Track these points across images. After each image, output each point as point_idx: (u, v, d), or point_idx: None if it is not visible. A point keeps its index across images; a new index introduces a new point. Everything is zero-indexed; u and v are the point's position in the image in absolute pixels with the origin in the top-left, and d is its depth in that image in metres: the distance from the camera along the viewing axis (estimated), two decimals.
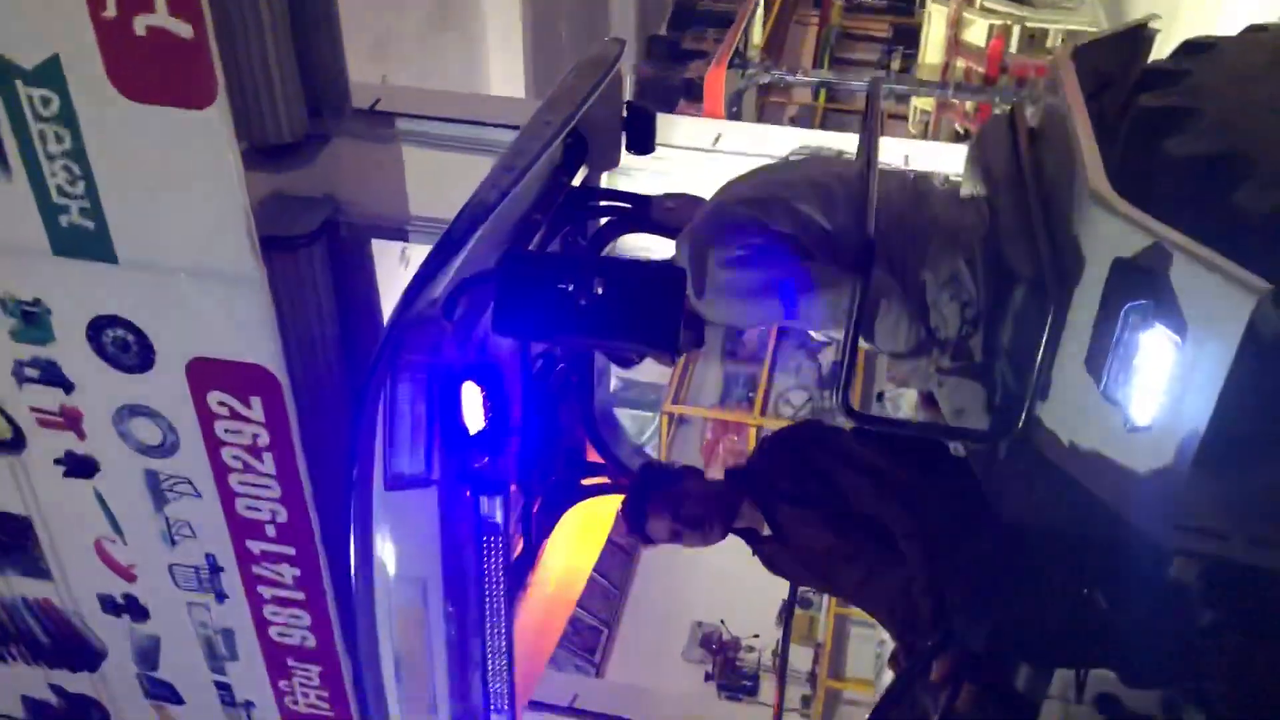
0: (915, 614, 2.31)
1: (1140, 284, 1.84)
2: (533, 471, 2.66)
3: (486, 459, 2.05)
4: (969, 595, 2.22)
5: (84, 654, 4.42)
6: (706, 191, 3.40)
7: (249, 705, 4.45)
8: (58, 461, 3.81)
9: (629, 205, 2.78)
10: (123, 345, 3.46)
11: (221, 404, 3.53)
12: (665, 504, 2.46)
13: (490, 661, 2.24)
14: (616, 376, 9.41)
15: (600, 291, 1.90)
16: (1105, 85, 2.30)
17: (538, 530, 2.70)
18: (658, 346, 2.11)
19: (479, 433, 2.05)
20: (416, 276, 2.13)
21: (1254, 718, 1.91)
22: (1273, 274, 1.74)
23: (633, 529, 2.55)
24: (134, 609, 4.22)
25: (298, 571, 3.93)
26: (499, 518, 2.20)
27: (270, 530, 3.82)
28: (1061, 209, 2.09)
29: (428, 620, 2.13)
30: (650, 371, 9.34)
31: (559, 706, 5.23)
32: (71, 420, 3.68)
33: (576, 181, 2.65)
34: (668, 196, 2.71)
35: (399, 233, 4.05)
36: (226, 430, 3.59)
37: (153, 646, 4.35)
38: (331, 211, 3.96)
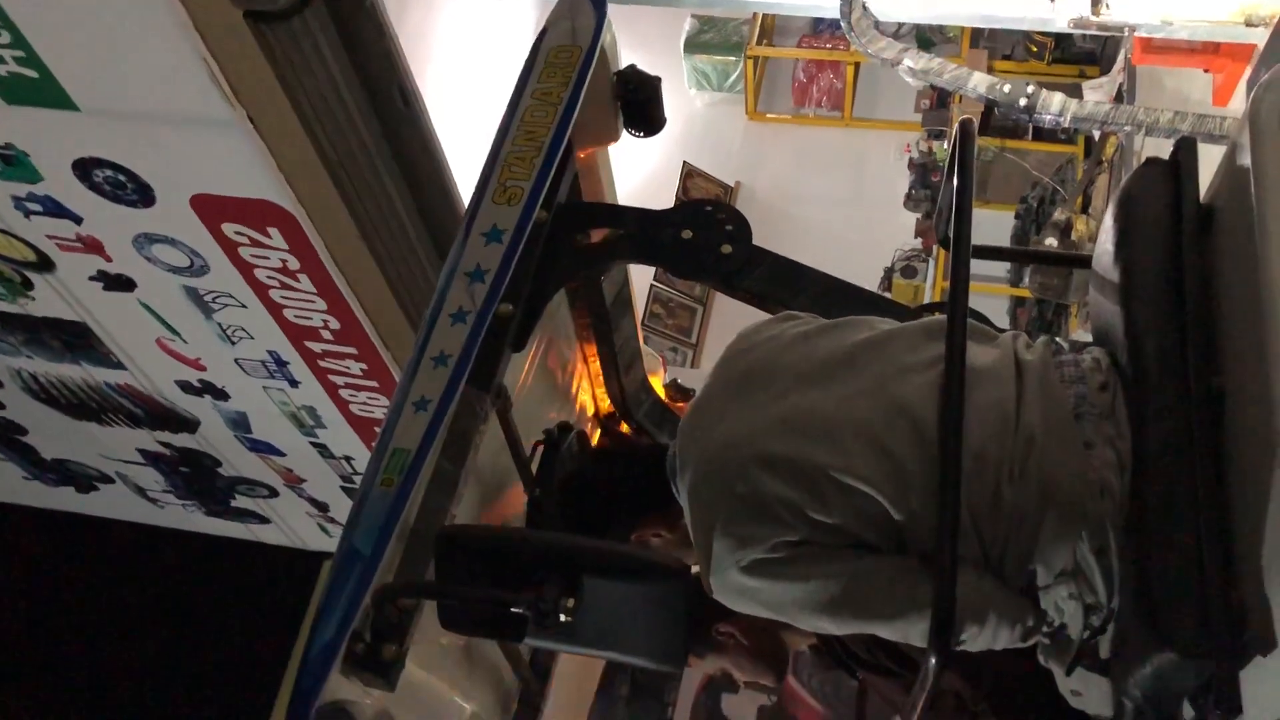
0: None
1: None
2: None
3: None
4: None
5: (178, 420, 4.43)
6: None
7: (348, 458, 4.48)
8: (92, 278, 3.56)
9: (627, 230, 1.86)
10: (116, 184, 3.06)
11: (239, 233, 3.16)
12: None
13: None
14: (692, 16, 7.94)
15: (571, 608, 1.37)
16: None
17: None
18: (659, 661, 1.62)
19: None
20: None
21: None
22: None
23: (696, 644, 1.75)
24: (213, 391, 4.15)
25: (365, 365, 3.74)
26: None
27: (326, 335, 3.59)
28: (1256, 497, 1.27)
29: None
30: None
31: None
32: (92, 246, 3.38)
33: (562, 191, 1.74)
34: (683, 211, 1.83)
35: None
36: (253, 255, 3.25)
37: (241, 418, 4.32)
38: None
